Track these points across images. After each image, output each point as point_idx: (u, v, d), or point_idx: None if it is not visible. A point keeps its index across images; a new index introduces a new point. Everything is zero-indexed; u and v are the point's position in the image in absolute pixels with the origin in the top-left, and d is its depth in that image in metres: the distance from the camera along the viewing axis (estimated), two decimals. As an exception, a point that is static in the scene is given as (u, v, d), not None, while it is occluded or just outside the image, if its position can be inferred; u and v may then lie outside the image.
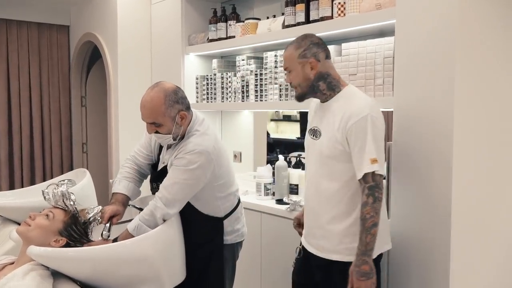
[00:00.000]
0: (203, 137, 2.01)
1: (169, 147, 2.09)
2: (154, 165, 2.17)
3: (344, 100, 1.77)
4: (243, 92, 2.91)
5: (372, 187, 1.69)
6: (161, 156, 2.13)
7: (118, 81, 3.54)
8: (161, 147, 2.16)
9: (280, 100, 2.67)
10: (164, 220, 1.93)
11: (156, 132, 1.99)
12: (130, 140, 2.30)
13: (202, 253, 2.09)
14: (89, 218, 1.92)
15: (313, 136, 1.83)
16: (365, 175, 1.69)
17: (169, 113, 1.95)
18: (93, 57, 4.17)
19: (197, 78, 3.28)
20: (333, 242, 1.79)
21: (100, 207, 2.02)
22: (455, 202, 1.83)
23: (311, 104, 1.95)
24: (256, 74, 2.83)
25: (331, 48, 2.35)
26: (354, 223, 1.76)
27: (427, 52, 1.90)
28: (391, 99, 2.05)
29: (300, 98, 1.83)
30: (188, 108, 2.03)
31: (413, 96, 1.95)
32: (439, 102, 1.86)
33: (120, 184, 2.10)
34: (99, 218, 1.95)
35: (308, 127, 1.89)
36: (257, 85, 2.82)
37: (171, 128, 1.98)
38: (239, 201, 2.20)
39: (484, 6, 1.88)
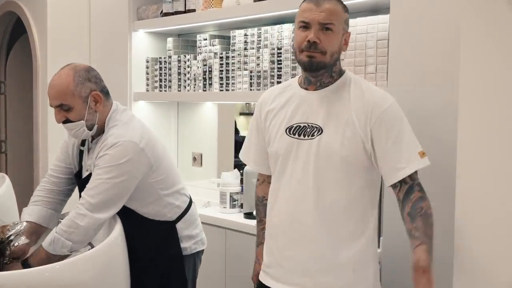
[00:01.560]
0: (126, 127, 2.06)
1: (89, 149, 2.13)
2: (79, 176, 2.18)
3: (355, 86, 1.75)
4: (205, 79, 2.92)
5: (421, 186, 1.69)
6: (83, 163, 2.16)
7: (47, 63, 3.49)
8: (81, 154, 2.17)
9: (251, 90, 2.69)
10: (95, 231, 1.95)
11: (66, 121, 2.03)
12: (61, 138, 2.29)
13: (157, 271, 2.12)
14: (9, 237, 1.89)
15: (301, 135, 1.74)
16: (413, 173, 1.67)
17: (79, 92, 2.02)
18: (15, 32, 4.10)
19: (147, 61, 3.27)
20: (345, 275, 1.70)
21: (25, 223, 2.00)
22: (459, 217, 1.88)
23: (265, 95, 1.88)
24: (221, 57, 2.84)
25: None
26: (368, 247, 1.72)
27: (428, 33, 1.94)
28: (385, 90, 2.08)
29: (319, 68, 1.71)
30: (104, 92, 2.10)
31: (411, 87, 2.00)
32: (441, 94, 1.91)
33: (25, 212, 2.13)
34: (23, 237, 1.94)
35: (285, 124, 1.78)
36: (222, 70, 2.83)
37: (83, 113, 2.03)
38: (191, 201, 2.25)
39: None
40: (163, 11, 3.11)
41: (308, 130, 1.74)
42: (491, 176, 1.97)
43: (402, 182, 1.68)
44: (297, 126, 1.76)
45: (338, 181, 1.71)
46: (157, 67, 3.21)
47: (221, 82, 2.84)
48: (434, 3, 1.93)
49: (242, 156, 1.97)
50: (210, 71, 2.89)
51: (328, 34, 1.70)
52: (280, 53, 2.52)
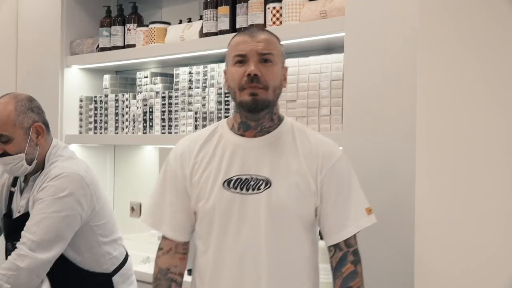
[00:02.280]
0: (69, 161, 2.09)
1: (22, 190, 2.10)
2: (5, 222, 2.15)
3: (299, 134, 1.75)
4: (145, 120, 2.93)
5: (356, 253, 1.72)
6: (13, 206, 2.13)
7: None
8: (11, 196, 2.14)
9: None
10: (38, 276, 1.91)
11: (3, 154, 2.03)
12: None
13: None
14: None
15: (243, 189, 1.68)
16: (351, 238, 1.70)
17: (21, 123, 2.04)
18: None
19: (81, 100, 3.25)
20: None
21: None
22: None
23: (186, 146, 1.77)
24: (163, 97, 2.86)
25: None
26: None
27: (385, 73, 2.02)
28: (340, 135, 2.15)
29: (263, 107, 1.67)
30: (46, 125, 2.13)
31: (368, 131, 2.06)
32: (400, 140, 1.97)
33: None
34: None
35: (222, 176, 1.69)
36: (164, 111, 2.85)
37: (23, 145, 2.04)
38: (127, 254, 2.23)
39: (447, 14, 2.06)
40: (100, 46, 3.12)
41: (253, 183, 1.68)
42: (450, 209, 2.03)
43: (337, 247, 1.71)
44: (237, 178, 1.69)
45: (295, 239, 1.69)
46: (92, 106, 3.20)
47: (163, 124, 2.85)
48: (389, 40, 2.01)
49: (149, 219, 1.78)
50: (151, 112, 2.90)
51: (268, 66, 1.68)
52: (228, 92, 2.57)
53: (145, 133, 2.92)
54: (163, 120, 2.85)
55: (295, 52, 2.52)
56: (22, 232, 1.97)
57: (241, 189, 1.68)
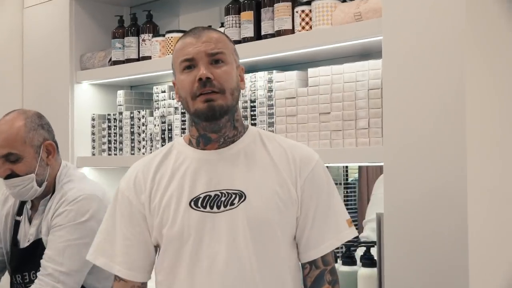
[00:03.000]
0: (85, 182, 2.11)
1: (30, 217, 2.10)
2: (12, 253, 2.16)
3: (270, 141, 1.72)
4: (164, 139, 2.94)
5: (334, 271, 1.72)
6: (19, 236, 2.13)
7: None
8: (16, 226, 2.14)
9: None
10: None
11: (11, 175, 2.02)
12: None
13: None
14: None
15: (214, 206, 1.63)
16: (328, 254, 1.69)
17: (31, 140, 2.05)
18: None
19: (93, 119, 3.28)
20: None
21: None
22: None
23: (140, 170, 1.72)
24: (183, 113, 2.87)
25: (293, 74, 2.44)
26: None
27: (429, 79, 2.00)
28: (380, 150, 2.14)
29: (222, 113, 1.64)
30: (56, 143, 2.14)
31: (412, 146, 2.03)
32: (449, 155, 1.95)
33: None
34: None
35: (187, 196, 1.64)
36: (185, 128, 2.86)
37: (33, 165, 2.04)
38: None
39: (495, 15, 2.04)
40: (112, 59, 3.15)
41: (224, 199, 1.63)
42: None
43: (313, 264, 1.69)
44: (206, 196, 1.64)
45: (281, 258, 1.66)
46: (105, 125, 3.22)
47: (183, 142, 2.86)
48: (432, 43, 1.98)
49: (99, 259, 1.70)
50: (170, 130, 2.91)
51: (221, 67, 1.65)
52: (254, 106, 2.57)
53: (164, 153, 2.93)
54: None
55: (328, 59, 2.52)
56: (44, 263, 1.97)
57: (211, 207, 1.63)
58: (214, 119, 1.65)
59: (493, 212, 1.99)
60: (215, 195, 1.65)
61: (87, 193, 2.02)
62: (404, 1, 2.05)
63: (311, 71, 2.38)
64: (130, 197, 1.71)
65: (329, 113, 2.30)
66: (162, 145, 2.93)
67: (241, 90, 1.73)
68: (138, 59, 3.08)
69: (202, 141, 1.70)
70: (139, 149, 3.05)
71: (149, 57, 3.02)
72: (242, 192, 1.64)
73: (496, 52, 2.03)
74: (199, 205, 1.64)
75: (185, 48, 1.66)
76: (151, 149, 2.99)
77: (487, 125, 1.99)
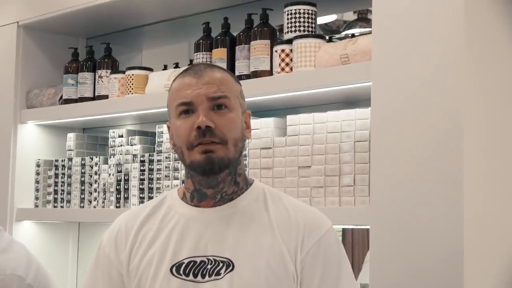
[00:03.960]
0: (5, 255, 2.04)
1: None
2: None
3: (273, 201, 1.70)
4: (119, 191, 2.92)
5: None
6: None
7: None
8: None
9: (183, 206, 2.70)
10: None
11: None
12: None
13: None
14: None
15: (198, 275, 1.62)
16: None
17: None
18: None
19: (38, 165, 3.26)
20: None
21: None
22: None
23: (123, 223, 1.74)
24: (142, 161, 2.86)
25: (269, 122, 2.46)
26: None
27: (424, 132, 2.01)
28: (366, 211, 2.13)
29: (222, 167, 1.63)
30: None
31: (403, 207, 2.04)
32: (446, 221, 1.94)
33: None
34: None
35: (169, 260, 1.65)
36: (143, 179, 2.84)
37: None
38: None
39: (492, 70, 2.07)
40: (63, 97, 3.15)
41: (210, 266, 1.62)
42: None
43: None
44: (190, 261, 1.63)
45: None
46: (51, 173, 3.19)
47: (141, 195, 2.84)
48: (428, 92, 2.00)
49: None
50: (127, 180, 2.90)
51: (224, 114, 1.63)
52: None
53: (119, 207, 2.91)
54: (141, 190, 2.84)
55: (310, 105, 2.54)
56: None
57: (195, 275, 1.62)
58: (213, 173, 1.63)
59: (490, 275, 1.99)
60: (201, 261, 1.63)
61: (7, 273, 1.96)
62: (397, 43, 2.08)
63: (290, 118, 2.39)
64: (110, 254, 1.71)
65: (310, 167, 2.31)
66: (117, 198, 2.91)
67: (247, 139, 1.70)
68: (94, 98, 3.08)
69: (196, 197, 1.69)
70: (90, 202, 3.02)
71: (106, 96, 3.02)
72: (230, 260, 1.62)
73: (494, 97, 2.06)
74: (181, 272, 1.62)
75: (183, 90, 1.65)
76: (103, 202, 2.96)
77: (488, 185, 2.01)
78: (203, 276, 1.61)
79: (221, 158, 1.62)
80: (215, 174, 1.63)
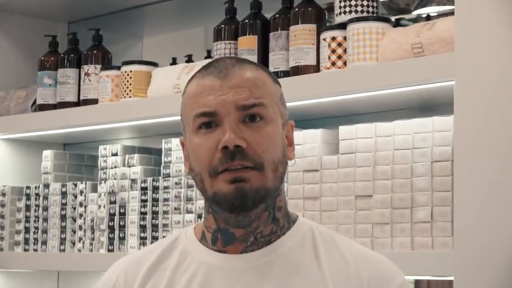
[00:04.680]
0: None
1: None
2: None
3: (324, 243, 1.69)
4: (112, 229, 2.94)
5: None
6: None
7: None
8: None
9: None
10: None
11: None
12: None
13: None
14: None
15: None
16: None
17: None
18: None
19: (3, 194, 3.29)
20: None
21: None
22: None
23: (122, 271, 1.74)
24: (143, 188, 2.88)
25: (316, 135, 2.47)
26: None
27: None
28: (449, 255, 2.13)
29: (256, 202, 1.60)
30: None
31: (497, 252, 2.05)
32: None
33: None
34: None
35: None
36: (145, 213, 2.87)
37: None
38: None
39: None
40: (37, 102, 3.18)
41: None
42: None
43: None
44: None
45: None
46: (21, 204, 3.22)
47: (142, 234, 2.86)
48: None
49: None
50: (123, 214, 2.92)
51: (259, 128, 1.60)
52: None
53: (112, 250, 2.93)
54: (143, 228, 2.87)
55: (370, 112, 2.55)
56: None
57: None
58: (245, 209, 1.60)
59: None
60: None
61: None
62: (487, 27, 2.09)
63: (344, 130, 2.40)
64: None
65: (371, 196, 2.32)
66: (110, 238, 2.93)
67: (289, 160, 1.66)
68: (78, 104, 3.10)
69: (221, 239, 1.66)
70: (73, 243, 3.04)
71: (94, 101, 3.05)
72: None
73: None
74: None
75: (203, 95, 1.61)
76: (91, 244, 2.98)
77: None
78: None
79: (256, 189, 1.58)
80: (247, 211, 1.60)
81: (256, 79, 1.63)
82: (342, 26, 2.43)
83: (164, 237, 2.72)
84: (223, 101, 1.58)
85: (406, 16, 2.81)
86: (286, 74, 2.53)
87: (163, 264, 1.69)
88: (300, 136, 2.47)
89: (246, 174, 1.57)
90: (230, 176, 1.56)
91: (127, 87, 2.94)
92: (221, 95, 1.59)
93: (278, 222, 1.67)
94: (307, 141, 2.47)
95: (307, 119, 2.67)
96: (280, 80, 2.41)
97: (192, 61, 2.91)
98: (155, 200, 2.85)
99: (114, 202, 2.95)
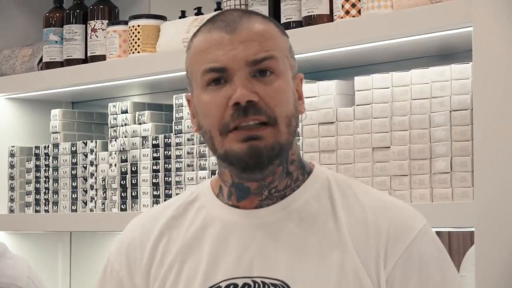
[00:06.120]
0: (3, 262, 2.22)
1: None
2: None
3: (342, 193, 1.68)
4: (124, 187, 2.96)
5: None
6: None
7: None
8: None
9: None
10: None
11: None
12: None
13: None
14: None
15: None
16: None
17: None
18: None
19: (12, 154, 3.30)
20: None
21: None
22: None
23: (138, 229, 1.76)
24: (155, 145, 2.90)
25: (331, 86, 2.47)
26: None
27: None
28: (470, 206, 2.14)
29: (271, 158, 1.60)
30: None
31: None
32: None
33: None
34: None
35: (200, 283, 1.64)
36: (157, 170, 2.88)
37: None
38: None
39: None
40: (44, 60, 3.19)
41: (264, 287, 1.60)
42: None
43: None
44: (229, 285, 1.62)
45: None
46: (31, 165, 3.24)
47: (155, 192, 2.88)
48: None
49: None
50: (135, 172, 2.94)
51: (271, 82, 1.60)
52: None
53: (125, 209, 2.95)
54: (155, 186, 2.88)
55: (386, 62, 2.55)
56: None
57: None
58: (259, 168, 1.60)
59: None
60: (245, 284, 1.62)
61: (6, 282, 2.08)
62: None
63: (359, 80, 2.40)
64: (121, 274, 1.72)
65: (389, 147, 2.33)
66: (122, 197, 2.95)
67: (301, 114, 1.66)
68: (86, 60, 3.11)
69: (235, 194, 1.67)
70: (85, 203, 3.07)
71: (102, 57, 3.05)
72: (284, 284, 1.60)
73: None
74: None
75: (211, 50, 1.60)
76: (103, 204, 3.01)
77: None
78: None
79: (271, 147, 1.57)
80: (262, 169, 1.60)
81: (265, 31, 1.62)
82: (356, -27, 2.42)
83: (177, 194, 2.75)
84: (234, 56, 1.58)
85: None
86: (299, 24, 2.52)
87: (180, 219, 1.70)
88: (314, 88, 2.48)
89: (262, 132, 1.56)
90: (242, 134, 1.56)
91: (135, 42, 2.94)
92: (231, 50, 1.58)
93: (291, 175, 1.67)
94: (322, 93, 2.47)
95: (321, 71, 2.67)
96: (292, 30, 2.44)
97: (202, 14, 2.91)
98: (167, 157, 2.86)
99: (126, 161, 2.96)
